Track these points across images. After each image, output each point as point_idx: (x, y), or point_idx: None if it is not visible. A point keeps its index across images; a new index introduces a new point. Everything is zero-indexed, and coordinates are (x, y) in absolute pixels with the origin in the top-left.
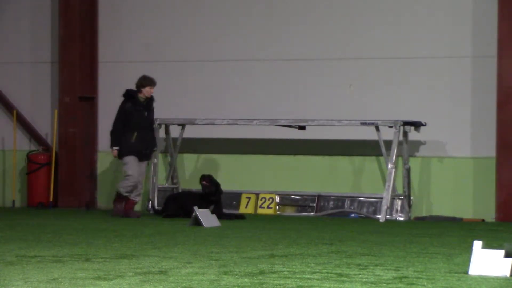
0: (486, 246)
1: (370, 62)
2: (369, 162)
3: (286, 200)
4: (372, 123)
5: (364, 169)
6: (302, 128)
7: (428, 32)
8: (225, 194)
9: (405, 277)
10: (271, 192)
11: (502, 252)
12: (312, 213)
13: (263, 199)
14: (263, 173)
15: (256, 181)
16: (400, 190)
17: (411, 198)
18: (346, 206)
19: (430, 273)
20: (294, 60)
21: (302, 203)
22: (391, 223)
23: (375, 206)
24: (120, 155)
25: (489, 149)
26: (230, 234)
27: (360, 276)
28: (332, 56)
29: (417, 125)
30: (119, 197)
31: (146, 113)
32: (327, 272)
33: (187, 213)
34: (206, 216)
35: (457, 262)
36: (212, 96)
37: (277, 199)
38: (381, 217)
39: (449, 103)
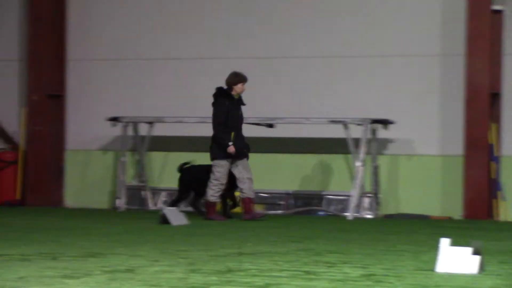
0: (453, 243)
1: (339, 60)
2: (337, 160)
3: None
4: (341, 121)
5: (332, 167)
6: (270, 126)
7: (397, 30)
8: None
9: (373, 274)
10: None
11: (469, 250)
12: (280, 211)
13: None
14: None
15: None
16: (368, 188)
17: (379, 196)
18: (314, 204)
19: (397, 270)
20: (262, 58)
21: (270, 201)
22: (359, 221)
23: (344, 204)
24: (214, 157)
25: (457, 147)
26: (198, 232)
27: (328, 274)
28: (301, 54)
29: (385, 123)
30: (211, 206)
31: (240, 111)
32: (295, 270)
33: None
34: (174, 214)
35: (424, 260)
36: (181, 94)
37: None
38: (349, 215)
39: (418, 101)
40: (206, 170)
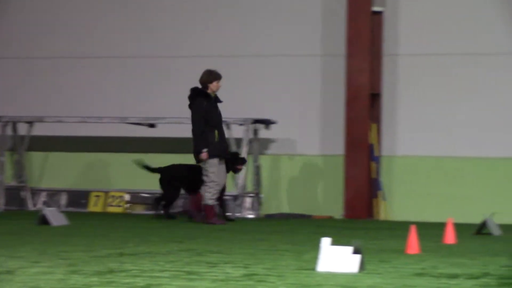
0: (334, 242)
1: (221, 60)
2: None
3: (136, 198)
4: (223, 121)
5: None
6: (152, 126)
7: (279, 30)
8: (73, 193)
9: (255, 274)
10: (121, 191)
11: (350, 249)
12: (162, 211)
13: (113, 198)
14: (112, 171)
15: (105, 179)
16: (250, 188)
17: (261, 195)
18: None
19: (279, 270)
20: (143, 58)
21: (152, 201)
22: (241, 221)
23: (226, 203)
24: (200, 159)
25: (338, 147)
26: (79, 232)
27: (209, 273)
28: (183, 53)
29: (267, 123)
30: (210, 209)
31: (218, 109)
32: (176, 270)
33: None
34: (54, 215)
35: (306, 259)
36: (61, 94)
37: (127, 197)
38: (231, 214)
39: (299, 101)
40: (187, 169)
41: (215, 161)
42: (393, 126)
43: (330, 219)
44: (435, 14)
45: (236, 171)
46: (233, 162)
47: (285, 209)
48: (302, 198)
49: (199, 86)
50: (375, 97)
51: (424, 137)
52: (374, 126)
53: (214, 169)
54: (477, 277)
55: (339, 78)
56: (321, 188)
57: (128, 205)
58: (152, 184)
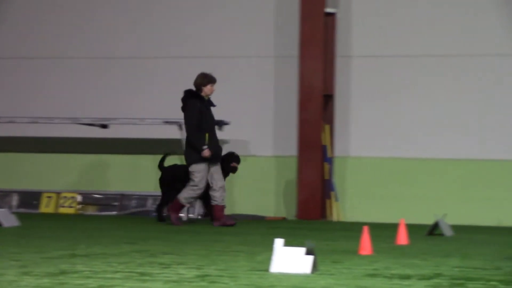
0: (287, 243)
1: (175, 61)
2: (172, 161)
3: (88, 199)
4: (175, 122)
5: None
6: (104, 126)
7: (232, 32)
8: (25, 194)
9: (208, 275)
10: (73, 191)
11: (303, 250)
12: (114, 212)
13: (64, 199)
14: (64, 172)
15: (57, 180)
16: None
17: None
18: (149, 205)
19: (232, 271)
20: (96, 59)
21: (104, 202)
22: (194, 222)
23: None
24: (190, 161)
25: (291, 148)
26: (30, 234)
27: (162, 275)
28: (133, 55)
29: (220, 124)
30: (177, 207)
31: (211, 112)
32: (129, 271)
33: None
34: (5, 216)
35: (259, 260)
36: (12, 94)
37: (79, 198)
38: (183, 215)
39: (252, 103)
40: (185, 171)
41: (202, 165)
42: (346, 128)
43: (283, 220)
44: (387, 16)
45: (232, 170)
46: (228, 161)
47: (238, 210)
48: (255, 199)
49: (183, 88)
50: (328, 99)
51: (377, 138)
52: (327, 127)
53: (199, 174)
54: (429, 278)
55: (292, 80)
56: (274, 189)
57: (80, 206)
58: (104, 185)
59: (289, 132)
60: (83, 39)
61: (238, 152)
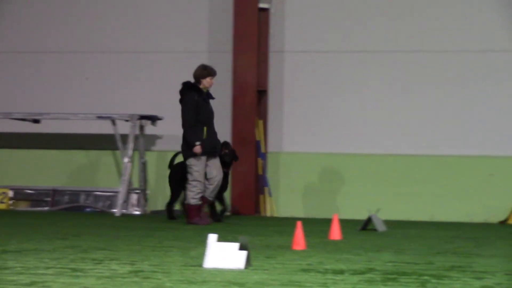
0: (221, 239)
1: (107, 56)
2: (105, 156)
3: (20, 194)
4: (109, 117)
5: (100, 163)
6: (36, 121)
7: (166, 27)
8: None
9: (141, 271)
10: (4, 187)
11: (236, 245)
12: (47, 208)
13: None
14: None
15: None
16: (136, 184)
17: (147, 192)
18: (81, 201)
19: (165, 266)
20: (28, 53)
21: (36, 197)
22: (127, 217)
23: (111, 200)
24: (186, 156)
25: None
26: None
27: (95, 270)
28: (66, 49)
29: (153, 119)
30: (192, 209)
31: (210, 105)
32: (61, 267)
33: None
34: None
35: (192, 255)
36: None
37: (11, 193)
38: (117, 211)
39: None
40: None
41: (199, 159)
42: (280, 123)
43: None
44: (320, 11)
45: (224, 157)
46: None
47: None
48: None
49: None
50: (261, 94)
51: (310, 133)
52: (260, 122)
53: (198, 167)
54: (362, 273)
55: (226, 75)
56: None
57: (11, 201)
58: (37, 181)
59: (223, 128)
60: (13, 33)
61: (171, 147)
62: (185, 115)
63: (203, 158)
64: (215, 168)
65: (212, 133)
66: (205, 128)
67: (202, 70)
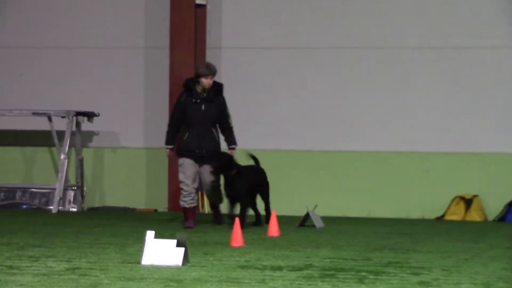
0: (158, 236)
1: (42, 52)
2: (41, 153)
3: None
4: (45, 113)
5: (36, 160)
6: None
7: (101, 22)
8: None
9: (78, 268)
10: None
11: (174, 242)
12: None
13: None
14: None
15: None
16: (73, 181)
17: (84, 188)
18: (17, 197)
19: (103, 263)
20: None
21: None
22: (63, 214)
23: (48, 197)
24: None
25: (162, 139)
26: None
27: (31, 268)
28: (2, 44)
29: (90, 115)
30: (184, 211)
31: (203, 106)
32: None
33: None
34: None
35: (130, 252)
36: None
37: None
38: (53, 208)
39: (122, 94)
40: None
41: (181, 160)
42: None
43: (154, 212)
44: (258, 7)
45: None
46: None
47: (109, 202)
48: (125, 191)
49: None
50: None
51: (248, 130)
52: None
53: (182, 168)
54: (300, 269)
55: (163, 71)
56: (145, 181)
57: None
58: None
59: (160, 124)
60: None
61: (108, 143)
62: (170, 114)
63: (187, 160)
64: (205, 172)
65: (197, 136)
66: (186, 133)
67: (197, 68)
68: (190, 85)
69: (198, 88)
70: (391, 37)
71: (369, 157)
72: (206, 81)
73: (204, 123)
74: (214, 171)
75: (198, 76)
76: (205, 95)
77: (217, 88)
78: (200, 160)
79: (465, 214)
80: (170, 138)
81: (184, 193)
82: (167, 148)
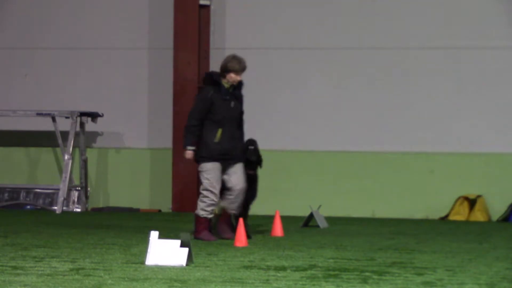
0: (162, 236)
1: (47, 52)
2: (45, 153)
3: None
4: (49, 114)
5: (40, 160)
6: None
7: (106, 23)
8: None
9: (82, 268)
10: None
11: (178, 242)
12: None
13: None
14: None
15: None
16: (77, 182)
17: (88, 189)
18: (21, 198)
19: (107, 264)
20: None
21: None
22: (68, 215)
23: (52, 197)
24: (197, 158)
25: (166, 140)
26: None
27: (36, 268)
28: (7, 45)
29: (94, 116)
30: (201, 222)
31: (232, 103)
32: (1, 265)
33: None
34: None
35: (134, 253)
36: None
37: None
38: (57, 208)
39: (126, 95)
40: None
41: (209, 165)
42: None
43: (158, 212)
44: (261, 8)
45: (249, 155)
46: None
47: (113, 202)
48: (129, 192)
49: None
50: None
51: (252, 130)
52: None
53: (209, 175)
54: (304, 269)
55: (167, 72)
56: (149, 181)
57: None
58: None
59: (164, 124)
60: None
61: (112, 144)
62: (190, 111)
63: (216, 164)
64: (235, 176)
65: (229, 136)
66: (220, 130)
67: (226, 62)
68: (217, 80)
69: (226, 84)
70: (395, 37)
71: (373, 158)
72: (236, 77)
73: (234, 121)
74: (254, 172)
75: (227, 70)
76: (231, 91)
77: (240, 83)
78: (226, 163)
79: (469, 214)
80: (195, 138)
81: (209, 202)
82: (189, 150)
